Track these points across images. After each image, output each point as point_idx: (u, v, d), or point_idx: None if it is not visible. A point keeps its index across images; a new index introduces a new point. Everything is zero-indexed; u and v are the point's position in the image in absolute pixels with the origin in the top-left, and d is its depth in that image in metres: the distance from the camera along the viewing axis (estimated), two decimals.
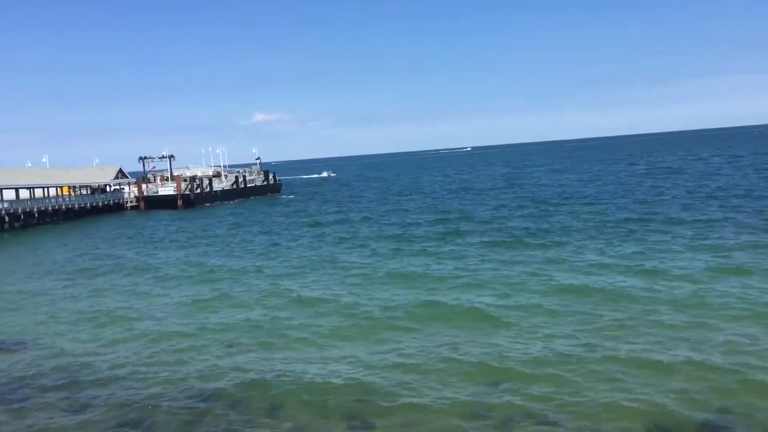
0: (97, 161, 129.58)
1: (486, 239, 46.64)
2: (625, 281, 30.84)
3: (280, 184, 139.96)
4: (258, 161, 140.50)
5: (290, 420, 18.06)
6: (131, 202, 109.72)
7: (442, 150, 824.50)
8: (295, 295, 32.97)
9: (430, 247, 44.87)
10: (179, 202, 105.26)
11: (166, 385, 21.10)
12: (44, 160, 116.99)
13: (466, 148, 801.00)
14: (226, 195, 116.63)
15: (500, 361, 21.38)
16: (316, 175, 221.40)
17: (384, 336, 24.99)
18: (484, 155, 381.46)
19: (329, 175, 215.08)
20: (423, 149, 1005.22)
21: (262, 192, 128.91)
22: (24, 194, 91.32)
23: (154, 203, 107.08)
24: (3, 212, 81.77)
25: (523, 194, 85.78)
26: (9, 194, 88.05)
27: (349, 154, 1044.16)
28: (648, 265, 33.78)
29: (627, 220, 51.56)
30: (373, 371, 21.19)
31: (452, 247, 43.95)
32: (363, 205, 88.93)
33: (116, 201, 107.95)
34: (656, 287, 29.18)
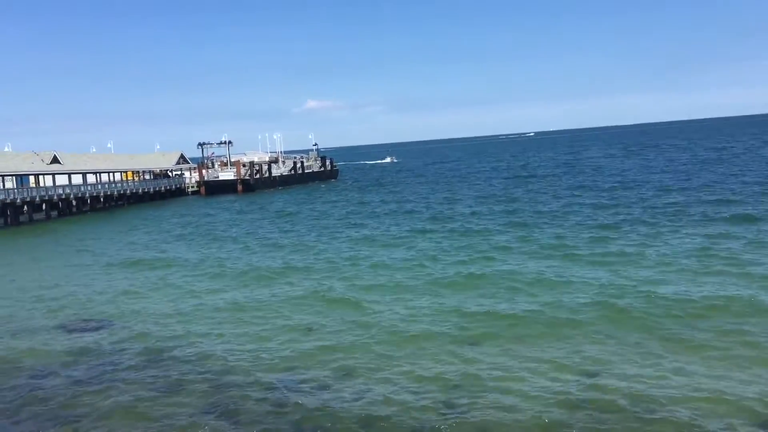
0: (158, 147, 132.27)
1: (553, 231, 45.31)
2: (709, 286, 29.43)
3: (337, 170, 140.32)
4: (315, 147, 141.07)
5: (380, 409, 17.67)
6: (192, 187, 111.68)
7: (505, 135, 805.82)
8: (357, 300, 32.51)
9: (493, 241, 42.97)
10: (239, 187, 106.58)
11: (251, 372, 20.98)
12: (109, 145, 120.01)
13: (530, 133, 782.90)
14: (284, 180, 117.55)
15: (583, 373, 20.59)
16: (380, 161, 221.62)
17: (451, 350, 24.13)
18: (547, 141, 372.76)
19: (393, 161, 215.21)
20: (484, 134, 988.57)
21: (319, 178, 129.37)
22: (90, 179, 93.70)
23: (214, 188, 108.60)
24: (71, 196, 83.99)
25: (585, 182, 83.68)
26: (76, 179, 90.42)
27: (406, 140, 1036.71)
28: (733, 268, 32.03)
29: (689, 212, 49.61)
30: (444, 386, 20.70)
31: (518, 244, 41.38)
32: (424, 193, 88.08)
33: (178, 186, 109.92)
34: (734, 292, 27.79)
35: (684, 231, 40.33)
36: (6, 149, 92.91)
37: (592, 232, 42.36)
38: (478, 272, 33.43)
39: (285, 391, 19.15)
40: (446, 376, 19.47)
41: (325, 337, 24.23)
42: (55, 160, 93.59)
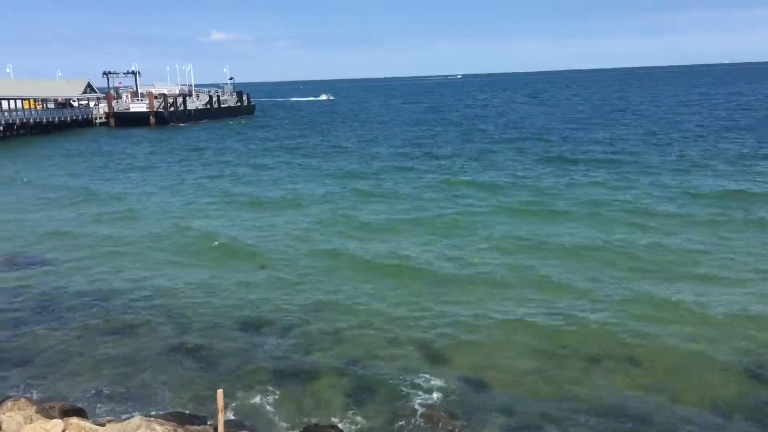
0: (60, 74, 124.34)
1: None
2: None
3: (254, 106, 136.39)
4: (231, 81, 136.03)
5: (347, 346, 17.59)
6: (100, 118, 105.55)
7: (433, 76, 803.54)
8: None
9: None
10: (152, 120, 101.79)
11: (212, 315, 20.37)
12: (8, 70, 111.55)
13: (458, 75, 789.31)
14: (199, 115, 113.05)
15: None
16: (313, 98, 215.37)
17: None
18: (472, 83, 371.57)
19: (329, 98, 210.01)
20: (410, 75, 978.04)
21: (235, 113, 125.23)
22: None
23: (125, 120, 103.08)
24: None
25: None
26: None
27: (325, 78, 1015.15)
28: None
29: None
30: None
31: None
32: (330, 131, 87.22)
33: (85, 117, 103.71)
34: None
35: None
36: None
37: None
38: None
39: (251, 335, 18.70)
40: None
41: (274, 270, 23.75)
42: None
